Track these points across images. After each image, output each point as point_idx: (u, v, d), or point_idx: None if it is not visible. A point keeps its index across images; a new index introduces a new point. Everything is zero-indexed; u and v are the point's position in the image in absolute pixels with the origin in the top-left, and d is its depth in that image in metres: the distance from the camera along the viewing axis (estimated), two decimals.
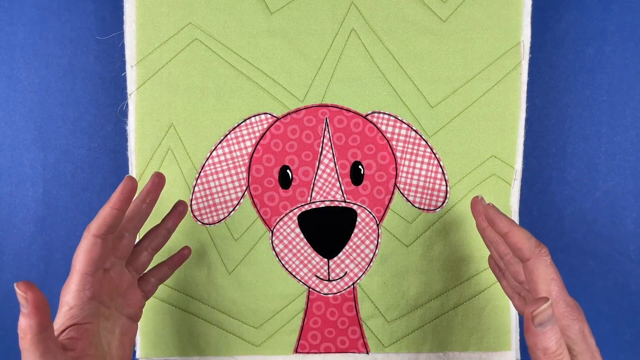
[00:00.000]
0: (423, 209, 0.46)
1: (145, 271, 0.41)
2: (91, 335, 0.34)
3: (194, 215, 0.45)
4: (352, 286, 0.46)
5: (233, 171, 0.45)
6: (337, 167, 0.45)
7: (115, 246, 0.37)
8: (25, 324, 0.29)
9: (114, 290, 0.37)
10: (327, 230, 0.45)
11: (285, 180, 0.45)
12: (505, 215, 0.37)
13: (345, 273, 0.46)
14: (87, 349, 0.33)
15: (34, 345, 0.29)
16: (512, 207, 0.46)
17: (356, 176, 0.45)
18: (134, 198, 0.36)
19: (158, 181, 0.39)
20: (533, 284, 0.34)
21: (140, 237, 0.42)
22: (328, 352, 0.46)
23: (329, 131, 0.45)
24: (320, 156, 0.45)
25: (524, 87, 0.45)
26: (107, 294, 0.36)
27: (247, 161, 0.45)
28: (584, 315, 0.34)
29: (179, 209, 0.42)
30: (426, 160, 0.45)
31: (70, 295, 0.34)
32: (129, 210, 0.38)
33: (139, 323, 0.41)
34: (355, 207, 0.45)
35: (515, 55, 0.44)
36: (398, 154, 0.45)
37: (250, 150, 0.45)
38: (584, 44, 0.48)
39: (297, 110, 0.45)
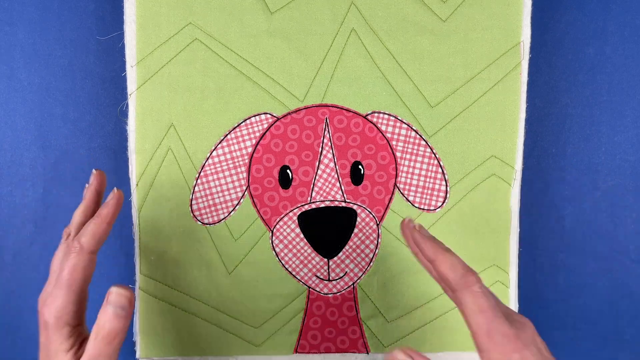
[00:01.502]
0: (423, 209, 0.46)
1: None
2: None
3: (194, 215, 0.45)
4: (352, 286, 0.46)
5: (233, 171, 0.45)
6: (337, 167, 0.45)
7: None
8: (120, 327, 0.31)
9: None
10: (327, 230, 0.45)
11: (285, 180, 0.45)
12: (433, 239, 0.33)
13: (345, 273, 0.46)
14: None
15: (116, 352, 0.31)
16: (512, 207, 0.46)
17: (356, 176, 0.45)
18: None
19: (118, 202, 0.37)
20: (464, 317, 0.31)
21: None
22: (328, 352, 0.46)
23: (329, 131, 0.45)
24: (320, 156, 0.45)
25: (524, 87, 0.45)
26: None
27: (247, 161, 0.45)
28: (530, 334, 0.30)
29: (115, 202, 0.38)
30: (426, 160, 0.45)
31: (69, 316, 0.33)
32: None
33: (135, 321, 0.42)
34: (355, 207, 0.45)
35: (515, 55, 0.44)
36: (398, 154, 0.45)
37: (250, 150, 0.45)
38: (584, 44, 0.48)
39: (297, 110, 0.45)
